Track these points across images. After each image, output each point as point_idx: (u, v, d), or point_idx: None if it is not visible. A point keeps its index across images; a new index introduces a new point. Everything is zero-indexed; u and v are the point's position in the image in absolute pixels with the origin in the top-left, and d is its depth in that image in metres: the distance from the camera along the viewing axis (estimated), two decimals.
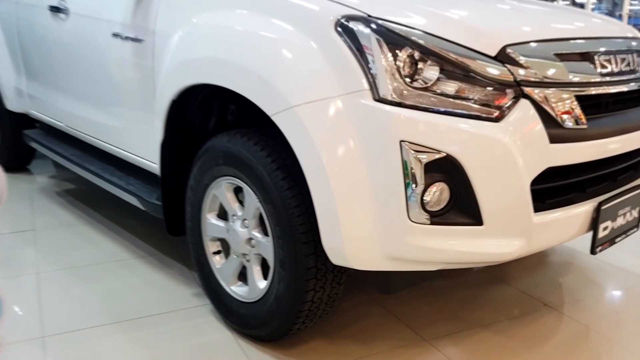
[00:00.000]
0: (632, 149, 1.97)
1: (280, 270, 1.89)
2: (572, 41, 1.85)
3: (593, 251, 1.90)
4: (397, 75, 1.62)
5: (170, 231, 2.43)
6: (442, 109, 1.62)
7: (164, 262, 2.75)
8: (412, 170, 1.60)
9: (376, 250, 1.69)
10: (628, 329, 2.26)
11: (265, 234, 1.98)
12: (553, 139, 1.68)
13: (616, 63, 1.90)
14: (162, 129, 2.27)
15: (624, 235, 2.02)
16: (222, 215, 2.20)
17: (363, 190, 1.65)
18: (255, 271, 2.05)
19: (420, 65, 1.63)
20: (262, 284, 2.02)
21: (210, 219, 2.20)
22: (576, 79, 1.75)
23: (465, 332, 2.19)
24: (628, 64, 1.94)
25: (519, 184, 1.65)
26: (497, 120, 1.63)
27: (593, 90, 1.79)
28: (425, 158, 1.59)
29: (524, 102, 1.65)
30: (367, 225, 1.67)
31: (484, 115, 1.63)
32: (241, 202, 2.10)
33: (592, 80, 1.79)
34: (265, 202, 1.88)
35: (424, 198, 1.62)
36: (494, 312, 2.34)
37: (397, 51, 1.63)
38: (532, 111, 1.65)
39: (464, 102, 1.63)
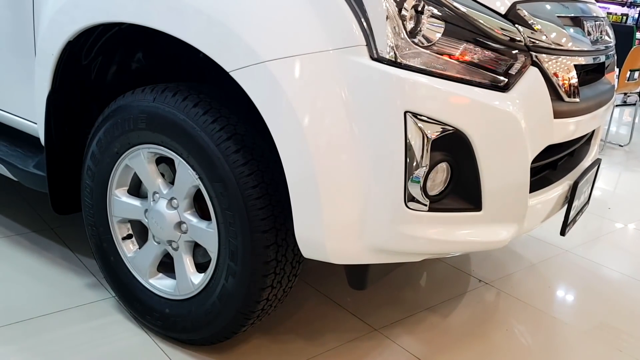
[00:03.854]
0: (602, 123, 1.88)
1: (230, 263, 1.52)
2: (565, 2, 1.67)
3: (563, 232, 1.79)
4: (401, 29, 1.30)
5: (57, 209, 1.91)
6: (449, 74, 1.34)
7: (38, 243, 2.20)
8: (416, 148, 1.31)
9: (361, 241, 1.40)
10: (562, 303, 2.24)
11: (203, 217, 1.59)
12: (556, 114, 1.49)
13: (596, 30, 1.76)
14: (50, 79, 1.72)
15: (580, 213, 1.94)
16: (134, 190, 1.75)
17: (352, 168, 1.34)
18: (187, 262, 1.66)
19: (423, 18, 1.33)
20: (197, 278, 1.64)
21: (120, 196, 1.73)
22: (575, 47, 1.57)
23: (413, 318, 2.00)
24: (601, 32, 1.82)
25: (523, 163, 1.45)
26: (505, 89, 1.40)
27: (586, 60, 1.63)
28: (433, 133, 1.32)
29: (532, 70, 1.43)
30: (353, 212, 1.37)
31: (492, 83, 1.38)
32: (163, 176, 1.68)
33: (586, 48, 1.63)
34: (210, 180, 1.48)
35: (427, 181, 1.35)
36: (434, 293, 2.19)
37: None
38: (541, 81, 1.44)
39: (471, 67, 1.36)
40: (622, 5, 13.48)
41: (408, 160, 1.32)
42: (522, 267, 2.48)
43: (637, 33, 8.19)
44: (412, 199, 1.36)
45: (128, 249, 1.78)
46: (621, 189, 3.85)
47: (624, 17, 14.22)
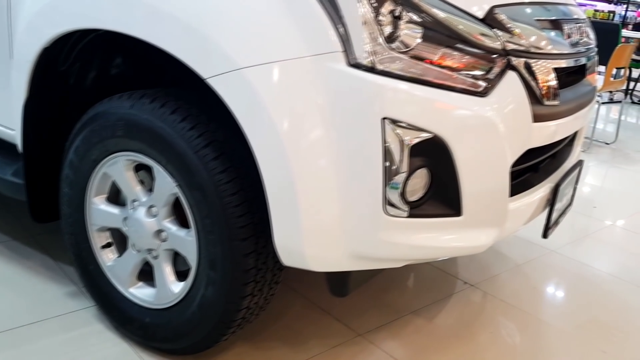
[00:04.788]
0: (583, 125, 1.88)
1: (210, 271, 1.51)
2: (544, 5, 1.66)
3: (545, 235, 1.79)
4: (378, 35, 1.29)
5: (36, 217, 1.89)
6: (427, 80, 1.33)
7: (19, 251, 2.18)
8: (395, 154, 1.30)
9: (342, 248, 1.39)
10: (547, 304, 2.24)
11: (182, 225, 1.57)
12: (535, 118, 1.49)
13: (576, 32, 1.76)
14: (26, 85, 1.70)
15: (563, 215, 1.94)
16: (113, 198, 1.73)
17: (330, 175, 1.33)
18: (166, 271, 1.64)
19: (401, 23, 1.32)
20: (177, 287, 1.62)
21: (98, 204, 1.71)
22: (554, 50, 1.57)
23: (397, 322, 2.00)
24: (582, 34, 1.82)
25: (503, 168, 1.44)
26: (483, 94, 1.39)
27: (565, 63, 1.63)
28: (411, 139, 1.31)
29: (511, 75, 1.42)
30: (332, 219, 1.36)
31: (470, 88, 1.37)
32: (142, 184, 1.66)
33: (565, 51, 1.63)
34: (189, 187, 1.47)
35: (406, 187, 1.34)
36: (419, 296, 2.18)
37: (377, 3, 1.30)
38: (519, 85, 1.44)
39: (449, 72, 1.35)
40: (609, 2, 13.55)
41: (386, 166, 1.31)
42: (508, 268, 2.47)
43: (623, 31, 8.24)
44: (392, 205, 1.35)
45: (107, 258, 1.75)
46: (607, 187, 3.87)
47: (611, 15, 14.32)
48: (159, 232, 1.61)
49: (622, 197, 3.65)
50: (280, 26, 1.30)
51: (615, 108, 6.74)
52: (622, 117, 6.28)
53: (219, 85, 1.33)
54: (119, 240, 1.75)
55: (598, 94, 4.58)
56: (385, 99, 1.29)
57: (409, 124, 1.30)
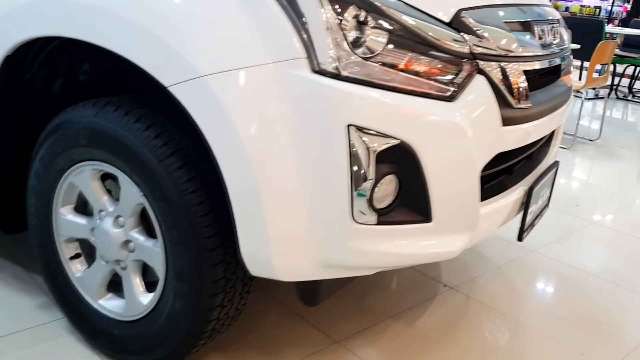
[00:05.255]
0: (557, 126, 1.86)
1: (177, 283, 1.48)
2: (514, 7, 1.64)
3: (520, 238, 1.77)
4: (342, 40, 1.27)
5: (5, 228, 1.85)
6: (393, 85, 1.31)
7: None
8: (361, 161, 1.28)
9: (310, 257, 1.36)
10: (527, 306, 2.23)
11: (150, 235, 1.54)
12: (504, 121, 1.47)
13: (548, 33, 1.74)
14: None
15: (539, 217, 1.93)
16: (82, 208, 1.70)
17: (295, 184, 1.30)
18: (135, 282, 1.61)
19: (366, 28, 1.29)
20: (146, 299, 1.59)
21: (65, 215, 1.68)
22: (524, 52, 1.55)
23: (376, 327, 1.98)
24: (555, 35, 1.80)
25: (472, 173, 1.42)
26: (451, 99, 1.37)
27: (536, 65, 1.61)
28: (377, 146, 1.28)
29: (479, 79, 1.40)
30: (300, 228, 1.33)
31: (437, 93, 1.35)
32: (110, 193, 1.62)
33: (536, 53, 1.61)
34: (154, 197, 1.44)
35: (373, 194, 1.32)
36: (398, 299, 2.16)
37: (341, 9, 1.27)
38: (487, 89, 1.42)
39: (416, 78, 1.33)
40: None
41: (353, 174, 1.29)
42: (488, 270, 2.46)
43: (608, 26, 8.28)
44: (359, 213, 1.33)
45: (76, 269, 1.72)
46: (590, 185, 3.86)
47: (597, 10, 14.38)
48: (126, 242, 1.58)
49: (605, 195, 3.65)
50: (242, 32, 1.27)
51: (601, 104, 6.76)
52: (608, 113, 6.30)
53: (180, 94, 1.30)
54: (88, 251, 1.72)
55: (582, 91, 4.59)
56: (350, 106, 1.26)
57: (374, 131, 1.28)
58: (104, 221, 1.60)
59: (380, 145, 1.29)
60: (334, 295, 2.03)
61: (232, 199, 1.32)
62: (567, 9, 14.23)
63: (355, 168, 1.28)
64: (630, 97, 7.35)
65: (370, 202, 1.32)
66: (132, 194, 1.50)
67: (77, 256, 1.73)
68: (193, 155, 1.42)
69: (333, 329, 1.94)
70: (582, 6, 14.46)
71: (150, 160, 1.41)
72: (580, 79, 6.12)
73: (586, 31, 5.92)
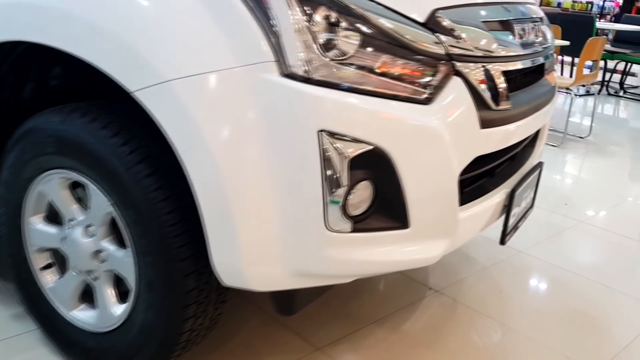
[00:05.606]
0: (541, 126, 1.83)
1: (148, 294, 1.43)
2: (492, 6, 1.60)
3: (503, 241, 1.74)
4: (312, 43, 1.23)
5: None
6: (367, 89, 1.27)
7: None
8: (334, 168, 1.24)
9: (284, 266, 1.32)
10: (513, 309, 2.19)
11: (121, 245, 1.50)
12: (483, 124, 1.43)
13: (530, 32, 1.70)
14: None
15: (523, 219, 1.89)
16: (53, 217, 1.65)
17: (267, 191, 1.26)
18: (107, 293, 1.56)
19: (338, 30, 1.25)
20: (119, 310, 1.55)
21: (35, 224, 1.63)
22: (503, 52, 1.51)
23: (358, 333, 1.94)
24: (536, 33, 1.76)
25: (450, 177, 1.38)
26: (426, 102, 1.33)
27: (516, 65, 1.57)
28: (350, 152, 1.24)
29: (455, 81, 1.36)
30: (272, 236, 1.29)
31: (412, 96, 1.31)
32: (81, 202, 1.58)
33: (516, 53, 1.57)
34: (123, 206, 1.39)
35: (347, 201, 1.28)
36: (382, 304, 2.12)
37: (310, 10, 1.23)
38: (465, 91, 1.38)
39: (390, 80, 1.29)
40: None
41: (326, 180, 1.25)
42: (474, 272, 2.43)
43: (599, 22, 8.26)
44: (334, 220, 1.28)
45: (48, 279, 1.68)
46: (579, 183, 3.84)
47: (589, 5, 14.37)
48: (97, 252, 1.54)
49: (594, 193, 3.62)
50: (209, 36, 1.23)
51: (592, 101, 6.73)
52: (599, 110, 6.28)
53: (145, 99, 1.26)
54: (61, 261, 1.68)
55: (571, 88, 4.56)
56: (321, 111, 1.22)
57: (347, 136, 1.23)
58: (74, 231, 1.56)
59: (353, 151, 1.24)
60: (315, 301, 1.99)
61: (201, 207, 1.28)
62: (559, 4, 14.23)
63: (328, 175, 1.24)
64: (621, 93, 7.34)
65: (344, 209, 1.28)
66: (101, 203, 1.46)
67: (49, 266, 1.69)
68: (162, 163, 1.37)
69: (315, 335, 1.90)
70: (574, 1, 14.45)
71: (118, 168, 1.37)
72: (571, 75, 6.10)
73: (576, 27, 5.89)
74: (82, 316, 1.63)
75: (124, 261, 1.47)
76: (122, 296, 1.57)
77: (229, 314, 1.97)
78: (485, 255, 2.56)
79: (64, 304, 1.65)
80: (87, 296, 1.65)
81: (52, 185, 1.55)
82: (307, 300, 1.50)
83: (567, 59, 6.86)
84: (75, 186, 1.57)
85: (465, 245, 2.59)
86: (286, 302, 1.46)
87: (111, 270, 1.54)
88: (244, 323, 1.93)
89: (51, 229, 1.62)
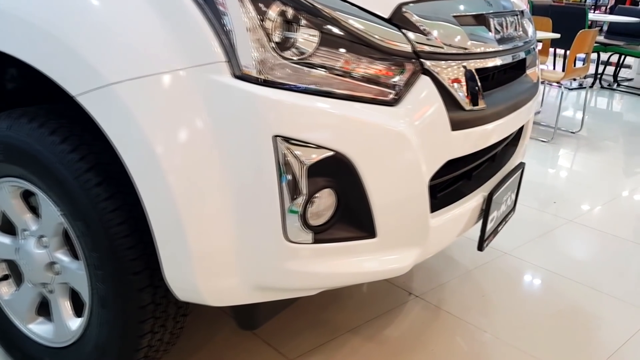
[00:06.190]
0: (520, 126, 1.75)
1: (101, 310, 1.35)
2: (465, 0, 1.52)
3: (481, 247, 1.66)
4: (266, 42, 1.14)
5: None
6: (327, 90, 1.19)
7: None
8: (291, 175, 1.16)
9: (242, 279, 1.24)
10: (496, 315, 2.12)
11: (75, 256, 1.42)
12: (455, 125, 1.35)
13: (508, 27, 1.62)
14: None
15: (504, 223, 1.81)
16: (8, 227, 1.57)
17: (219, 201, 1.18)
18: (63, 306, 1.48)
19: (294, 28, 1.17)
20: (74, 324, 1.47)
21: None
22: (477, 49, 1.43)
23: (333, 343, 1.86)
24: (516, 28, 1.68)
25: (418, 183, 1.30)
26: (392, 104, 1.25)
27: (492, 62, 1.49)
28: (309, 158, 1.16)
29: (423, 80, 1.28)
30: (227, 248, 1.21)
31: (377, 98, 1.23)
32: (35, 211, 1.50)
33: (492, 49, 1.49)
34: (72, 217, 1.31)
35: (307, 211, 1.20)
36: (359, 311, 2.05)
37: (264, 6, 1.14)
38: (433, 91, 1.29)
39: (353, 81, 1.21)
40: None
41: (283, 189, 1.17)
42: (457, 275, 2.35)
43: (592, 14, 8.17)
44: (293, 231, 1.20)
45: (4, 292, 1.60)
46: (568, 180, 3.75)
47: None
48: (51, 264, 1.46)
49: (585, 191, 3.54)
50: (154, 36, 1.14)
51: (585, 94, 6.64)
52: (592, 104, 6.20)
53: (88, 103, 1.18)
54: (18, 273, 1.59)
55: (561, 82, 4.48)
56: (276, 115, 1.14)
57: (305, 142, 1.15)
58: (27, 241, 1.47)
59: (312, 157, 1.16)
60: (288, 307, 1.91)
61: (150, 218, 1.20)
62: None
63: (285, 183, 1.16)
64: (615, 86, 7.26)
65: (304, 219, 1.20)
66: (51, 213, 1.37)
67: (5, 278, 1.61)
68: (114, 171, 1.29)
69: (286, 345, 1.82)
70: None
71: (66, 177, 1.28)
72: (563, 69, 6.01)
73: (568, 19, 5.80)
74: (38, 330, 1.56)
75: (78, 274, 1.40)
76: (80, 310, 1.50)
77: (196, 323, 1.89)
78: (469, 257, 2.48)
79: (20, 317, 1.58)
80: (45, 309, 1.57)
81: (3, 194, 1.47)
82: (271, 313, 1.42)
83: (560, 51, 6.78)
84: (29, 195, 1.49)
85: (448, 247, 2.51)
86: (248, 316, 1.38)
87: (66, 283, 1.46)
88: (213, 333, 1.86)
89: (5, 240, 1.54)
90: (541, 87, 5.65)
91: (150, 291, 1.33)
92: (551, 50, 6.26)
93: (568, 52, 5.08)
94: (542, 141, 4.44)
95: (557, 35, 4.68)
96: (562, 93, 4.98)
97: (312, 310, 2.02)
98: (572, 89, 6.81)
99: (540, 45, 5.39)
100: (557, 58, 7.08)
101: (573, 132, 4.82)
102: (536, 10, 6.02)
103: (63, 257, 1.43)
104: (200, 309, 1.69)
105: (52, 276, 1.46)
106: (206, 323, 1.90)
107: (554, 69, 6.72)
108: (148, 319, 1.35)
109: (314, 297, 2.08)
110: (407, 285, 2.24)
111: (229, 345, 1.81)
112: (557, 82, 4.50)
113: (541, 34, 4.76)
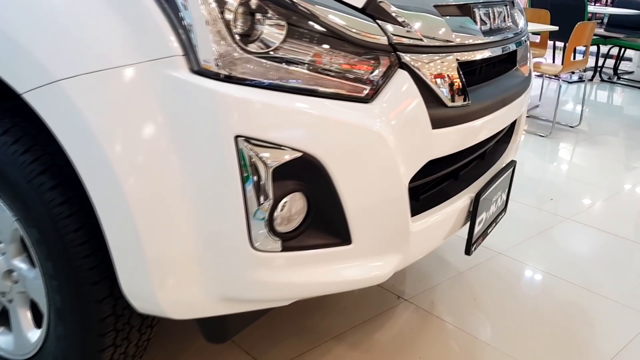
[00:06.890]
0: (510, 122, 1.65)
1: (58, 322, 1.27)
2: None
3: (468, 251, 1.57)
4: (226, 34, 1.05)
5: None
6: (294, 86, 1.09)
7: None
8: (255, 179, 1.07)
9: (206, 291, 1.16)
10: (488, 320, 2.03)
11: (33, 264, 1.33)
12: (435, 123, 1.25)
13: (495, 17, 1.52)
14: None
15: (494, 224, 1.72)
16: None
17: (180, 206, 1.09)
18: (23, 317, 1.40)
19: (258, 19, 1.08)
20: (34, 336, 1.38)
21: None
22: (461, 41, 1.33)
23: (317, 350, 1.77)
24: (504, 19, 1.59)
25: (396, 186, 1.21)
26: (366, 100, 1.15)
27: (478, 55, 1.39)
28: (274, 160, 1.07)
29: (401, 74, 1.19)
30: (188, 257, 1.12)
31: (349, 94, 1.14)
32: None
33: (477, 41, 1.39)
34: (26, 223, 1.22)
35: (273, 216, 1.11)
36: (345, 316, 1.96)
37: None
38: (412, 86, 1.20)
39: (323, 76, 1.12)
40: None
41: (247, 194, 1.07)
42: (448, 277, 2.26)
43: (592, 6, 8.05)
44: (259, 238, 1.11)
45: None
46: (566, 176, 3.66)
47: None
48: (9, 272, 1.37)
49: (583, 187, 3.45)
50: (104, 29, 1.05)
51: (587, 88, 6.53)
52: (592, 97, 6.10)
53: (35, 101, 1.09)
54: None
55: (559, 75, 4.37)
56: (237, 113, 1.04)
57: (269, 142, 1.06)
58: None
59: (277, 159, 1.07)
60: (267, 314, 1.83)
61: (103, 224, 1.11)
62: None
63: (249, 187, 1.07)
64: (615, 79, 7.14)
65: (270, 225, 1.11)
66: (6, 218, 1.29)
67: None
68: (70, 174, 1.20)
69: (268, 354, 1.74)
70: None
71: (18, 180, 1.20)
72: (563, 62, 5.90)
73: (567, 11, 5.69)
74: None
75: (35, 283, 1.31)
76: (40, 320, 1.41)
77: (171, 332, 1.80)
78: (461, 258, 2.39)
79: None
80: (6, 319, 1.49)
81: None
82: (242, 324, 1.33)
83: (560, 44, 6.66)
84: None
85: (439, 247, 2.42)
86: (216, 327, 1.30)
87: (24, 292, 1.37)
88: (190, 342, 1.77)
89: None
90: (539, 80, 5.58)
91: (111, 302, 1.24)
92: (550, 43, 6.15)
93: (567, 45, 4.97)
94: (541, 136, 4.34)
95: (555, 28, 4.58)
96: (561, 86, 4.87)
97: (295, 316, 1.93)
98: (571, 82, 6.70)
99: (538, 38, 5.28)
100: (556, 51, 6.96)
101: (572, 127, 4.72)
102: (534, 2, 5.90)
103: (21, 264, 1.34)
104: None
105: (10, 285, 1.38)
106: (181, 331, 1.81)
107: (554, 62, 6.61)
108: (109, 331, 1.26)
109: (297, 302, 1.99)
110: (396, 288, 2.15)
111: (205, 354, 1.72)
112: (556, 75, 4.39)
113: (539, 27, 4.65)
